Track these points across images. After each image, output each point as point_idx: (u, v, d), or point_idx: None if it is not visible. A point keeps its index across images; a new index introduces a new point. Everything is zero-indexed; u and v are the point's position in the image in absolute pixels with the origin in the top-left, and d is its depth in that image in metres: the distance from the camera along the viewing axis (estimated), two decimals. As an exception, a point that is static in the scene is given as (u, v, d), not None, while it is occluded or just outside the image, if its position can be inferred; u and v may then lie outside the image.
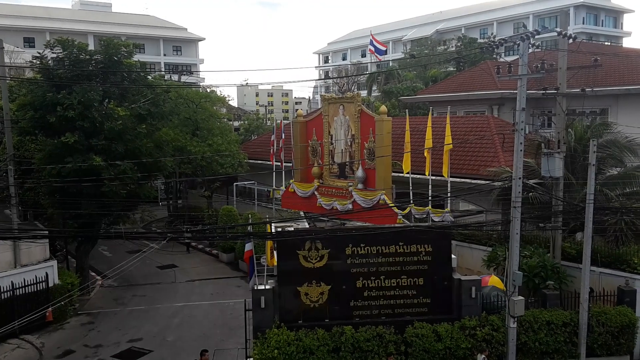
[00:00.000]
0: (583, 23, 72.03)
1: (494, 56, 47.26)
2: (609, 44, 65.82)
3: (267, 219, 25.13)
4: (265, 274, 19.06)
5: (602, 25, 75.26)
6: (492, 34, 74.54)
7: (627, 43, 75.47)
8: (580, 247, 18.66)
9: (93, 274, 28.20)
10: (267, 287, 17.13)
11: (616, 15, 77.99)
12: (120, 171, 22.94)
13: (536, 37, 16.89)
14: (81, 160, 22.58)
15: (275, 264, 17.56)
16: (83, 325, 22.49)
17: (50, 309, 21.03)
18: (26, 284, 21.47)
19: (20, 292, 21.25)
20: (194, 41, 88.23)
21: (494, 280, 18.19)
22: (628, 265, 18.68)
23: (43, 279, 22.00)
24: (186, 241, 31.08)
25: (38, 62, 24.68)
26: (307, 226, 24.56)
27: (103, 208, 23.51)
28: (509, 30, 75.23)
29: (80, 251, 26.32)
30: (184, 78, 51.64)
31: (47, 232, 23.38)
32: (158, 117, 26.49)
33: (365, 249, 17.23)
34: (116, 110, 23.87)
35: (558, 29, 18.78)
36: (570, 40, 18.52)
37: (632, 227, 19.47)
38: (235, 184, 37.12)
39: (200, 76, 76.63)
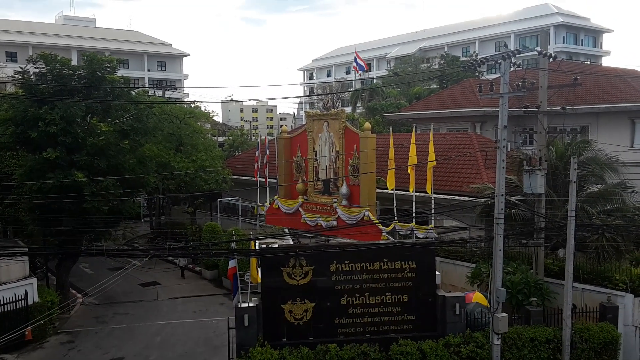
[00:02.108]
0: (563, 42, 73.41)
1: (476, 74, 47.85)
2: (589, 62, 67.12)
3: (251, 236, 25.00)
4: (249, 291, 18.93)
5: (582, 45, 76.75)
6: (474, 52, 75.64)
7: (606, 62, 76.97)
8: (562, 263, 18.80)
9: (74, 291, 27.75)
10: (251, 304, 16.99)
11: (595, 35, 79.60)
12: (102, 187, 22.71)
13: (517, 56, 17.17)
14: (63, 176, 22.32)
15: (259, 281, 17.45)
16: (63, 344, 22.06)
17: (29, 327, 20.61)
18: (5, 302, 21.03)
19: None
20: (178, 57, 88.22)
21: (477, 297, 18.24)
22: (610, 282, 18.85)
23: (22, 297, 21.57)
24: (180, 266, 30.74)
25: (20, 77, 24.46)
26: (292, 243, 24.49)
27: (84, 225, 23.22)
28: (491, 49, 76.33)
29: (61, 268, 25.91)
30: (168, 93, 51.49)
31: (26, 249, 22.99)
32: (141, 132, 26.34)
33: (350, 265, 17.21)
34: (99, 126, 23.70)
35: (539, 49, 19.10)
36: (551, 60, 18.85)
37: (613, 243, 19.67)
38: (219, 200, 36.95)
39: (185, 92, 76.52)
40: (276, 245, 20.92)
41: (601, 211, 21.21)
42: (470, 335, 16.92)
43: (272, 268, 17.04)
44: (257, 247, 20.69)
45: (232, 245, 21.87)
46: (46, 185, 22.10)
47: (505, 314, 16.22)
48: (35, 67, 24.50)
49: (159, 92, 52.55)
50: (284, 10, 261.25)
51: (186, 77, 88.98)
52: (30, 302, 21.83)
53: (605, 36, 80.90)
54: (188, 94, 68.66)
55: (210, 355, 20.60)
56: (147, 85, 77.21)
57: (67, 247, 24.08)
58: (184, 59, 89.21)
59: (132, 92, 30.44)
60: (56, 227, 22.67)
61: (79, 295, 27.66)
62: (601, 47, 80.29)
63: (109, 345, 21.77)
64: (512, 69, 17.67)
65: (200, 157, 34.72)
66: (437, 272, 18.03)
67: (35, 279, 23.13)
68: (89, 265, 32.84)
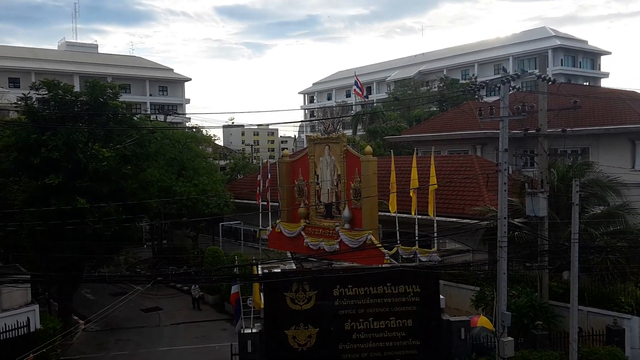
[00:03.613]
0: (562, 65, 73.95)
1: (476, 97, 48.18)
2: (588, 84, 67.59)
3: (254, 260, 24.92)
4: (252, 316, 18.78)
5: (580, 67, 77.26)
6: (473, 75, 76.23)
7: (605, 84, 77.46)
8: (567, 285, 18.70)
9: (76, 317, 27.55)
10: (254, 330, 16.89)
11: (593, 57, 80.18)
12: (104, 212, 22.70)
13: (516, 79, 17.33)
14: (65, 202, 22.33)
15: (262, 306, 17.35)
16: (65, 371, 21.85)
17: (32, 354, 20.41)
18: (7, 329, 20.86)
19: (1, 338, 20.64)
20: (180, 81, 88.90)
21: (482, 321, 18.10)
22: (615, 304, 18.74)
23: (25, 324, 21.42)
24: (194, 296, 30.29)
25: (23, 104, 24.64)
26: (294, 267, 24.39)
27: (86, 250, 23.16)
28: (490, 72, 76.89)
29: (63, 295, 25.77)
30: (169, 118, 51.79)
31: (28, 276, 22.88)
32: (143, 157, 26.44)
33: (353, 290, 17.14)
34: (101, 152, 23.79)
35: (537, 72, 19.30)
36: (550, 83, 19.01)
37: (618, 265, 19.60)
38: (221, 224, 36.88)
39: (187, 116, 76.98)
40: (279, 270, 20.84)
41: (604, 233, 21.17)
42: (476, 360, 16.76)
43: (275, 293, 16.97)
44: (259, 271, 20.61)
45: (235, 270, 21.77)
46: (48, 211, 22.10)
47: (511, 338, 16.09)
48: (38, 94, 24.70)
49: (161, 117, 52.86)
50: (285, 35, 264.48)
51: (188, 101, 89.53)
52: (32, 329, 21.66)
53: (603, 58, 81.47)
54: (190, 118, 69.19)
55: (212, 382, 20.36)
56: (149, 110, 77.64)
57: (69, 274, 23.96)
58: (186, 83, 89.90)
59: (134, 117, 30.61)
60: (58, 254, 22.60)
61: (81, 321, 27.45)
62: (599, 69, 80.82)
63: (111, 373, 21.55)
64: (511, 91, 17.82)
65: (202, 181, 34.77)
66: (441, 296, 17.94)
67: (38, 305, 22.99)
68: (91, 291, 32.65)
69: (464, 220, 23.61)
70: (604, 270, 19.60)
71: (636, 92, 36.45)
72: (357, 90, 34.24)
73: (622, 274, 19.83)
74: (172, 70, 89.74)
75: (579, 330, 17.15)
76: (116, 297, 24.68)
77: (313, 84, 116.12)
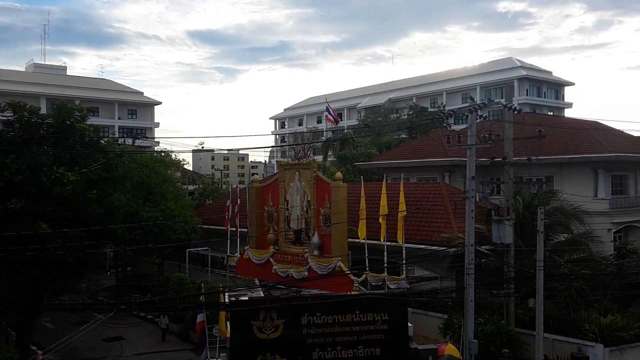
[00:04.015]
0: (527, 94, 75.89)
1: (444, 125, 48.97)
2: (552, 114, 69.41)
3: (220, 288, 24.51)
4: (217, 346, 18.41)
5: (545, 97, 79.40)
6: (441, 103, 77.64)
7: (568, 113, 79.62)
8: (533, 313, 18.86)
9: (34, 347, 26.52)
10: (220, 360, 16.50)
11: (558, 87, 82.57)
12: (67, 238, 22.11)
13: (483, 108, 17.69)
14: (27, 227, 21.69)
15: (229, 335, 17.01)
16: (19, 404, 20.92)
17: (-16, 387, 19.56)
18: (-42, 360, 20.01)
19: (-48, 369, 19.77)
20: (149, 105, 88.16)
21: (450, 349, 18.03)
22: (580, 332, 18.94)
23: (-22, 355, 20.58)
24: (161, 327, 29.39)
25: (-14, 126, 24.07)
26: (262, 295, 24.05)
27: (49, 277, 22.46)
28: (458, 100, 78.44)
29: (22, 323, 24.84)
30: (138, 142, 51.17)
31: (-16, 304, 22.04)
32: (110, 182, 25.97)
33: (322, 318, 16.94)
34: (66, 175, 23.26)
35: (503, 102, 19.75)
36: (515, 112, 19.45)
37: (582, 293, 19.88)
38: (187, 250, 36.27)
39: (156, 140, 76.22)
40: (246, 298, 20.51)
41: (568, 260, 21.53)
42: (444, 389, 16.66)
43: (242, 322, 16.67)
44: (226, 299, 20.24)
45: (201, 298, 21.36)
46: (8, 236, 21.41)
47: (478, 367, 16.09)
48: (2, 116, 24.17)
49: (129, 141, 52.21)
50: (257, 61, 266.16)
51: (157, 125, 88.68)
52: (-14, 360, 20.80)
53: (567, 89, 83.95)
54: (159, 142, 68.34)
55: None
56: (117, 133, 76.62)
57: (29, 301, 23.16)
58: (156, 107, 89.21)
59: (102, 141, 30.14)
60: (18, 280, 21.86)
61: (39, 351, 26.39)
62: (563, 100, 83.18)
63: (69, 405, 20.73)
64: (478, 120, 18.16)
65: (170, 206, 34.25)
66: (409, 324, 17.87)
67: (-7, 334, 22.13)
68: (51, 319, 31.56)
69: (432, 247, 23.76)
70: (569, 298, 19.88)
71: (598, 122, 37.57)
72: (329, 116, 34.44)
73: (586, 302, 20.12)
74: (142, 93, 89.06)
75: (544, 357, 17.26)
76: (77, 326, 23.89)
77: (284, 110, 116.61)
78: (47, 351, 25.89)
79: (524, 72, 76.60)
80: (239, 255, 28.04)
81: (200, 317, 18.05)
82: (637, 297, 21.35)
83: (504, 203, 20.01)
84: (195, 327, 20.67)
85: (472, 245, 16.74)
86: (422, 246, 24.41)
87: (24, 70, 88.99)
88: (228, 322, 17.28)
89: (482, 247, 20.60)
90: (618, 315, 19.60)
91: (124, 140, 54.40)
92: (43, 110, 26.31)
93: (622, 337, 18.75)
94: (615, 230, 31.02)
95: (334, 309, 17.02)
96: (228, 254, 29.18)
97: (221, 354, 17.21)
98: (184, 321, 29.41)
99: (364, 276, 22.32)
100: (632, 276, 21.97)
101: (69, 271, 22.92)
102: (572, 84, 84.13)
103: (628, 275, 22.10)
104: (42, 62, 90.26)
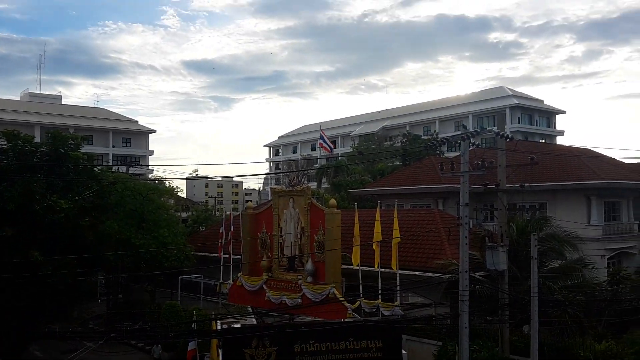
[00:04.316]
0: (519, 122, 76.56)
1: (437, 153, 49.24)
2: (544, 142, 69.98)
3: (213, 315, 24.26)
4: (209, 374, 18.15)
5: (537, 125, 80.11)
6: (434, 131, 78.16)
7: (560, 141, 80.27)
8: (527, 339, 18.73)
9: (22, 377, 26.04)
10: (212, 389, 16.26)
11: (549, 115, 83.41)
12: (59, 265, 21.94)
13: (476, 136, 17.86)
14: (19, 255, 21.53)
15: (221, 363, 16.81)
16: None
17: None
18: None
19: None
20: (144, 133, 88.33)
21: (445, 377, 17.90)
22: (575, 358, 18.79)
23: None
24: (155, 358, 28.85)
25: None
26: (255, 322, 23.82)
27: (39, 305, 22.21)
28: (451, 128, 79.07)
29: (10, 352, 24.39)
30: (132, 169, 51.13)
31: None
32: (103, 209, 25.93)
33: (315, 345, 16.79)
34: (59, 203, 23.23)
35: (496, 130, 19.96)
36: (508, 140, 19.64)
37: (576, 319, 19.81)
38: (180, 277, 35.96)
39: (150, 167, 76.19)
40: (238, 325, 20.32)
41: (562, 287, 21.49)
42: (439, 418, 16.45)
43: (234, 349, 16.50)
44: (218, 327, 20.03)
45: (193, 325, 21.13)
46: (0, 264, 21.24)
47: (474, 395, 15.91)
48: (-4, 144, 24.24)
49: (122, 169, 52.12)
50: (252, 90, 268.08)
51: (151, 153, 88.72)
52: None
53: (558, 117, 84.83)
54: (152, 170, 68.28)
55: None
56: (111, 161, 76.54)
57: (19, 329, 22.83)
58: (150, 135, 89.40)
59: (95, 169, 30.17)
60: (9, 307, 21.58)
61: (27, 381, 25.97)
62: (555, 127, 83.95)
63: None
64: (471, 147, 18.31)
65: (163, 233, 34.09)
66: (403, 351, 17.72)
67: (-19, 364, 21.75)
68: (40, 348, 31.05)
69: (427, 274, 23.67)
70: (563, 324, 19.78)
71: (590, 150, 37.91)
72: (323, 143, 34.66)
73: (581, 328, 20.02)
74: (137, 122, 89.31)
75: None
76: (66, 355, 23.56)
77: (279, 137, 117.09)
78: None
79: (515, 101, 77.46)
80: (231, 283, 27.84)
81: (191, 345, 17.85)
82: (631, 323, 21.28)
83: (498, 230, 20.07)
84: (187, 355, 20.38)
85: (466, 271, 16.71)
86: (417, 272, 24.31)
87: (19, 99, 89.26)
88: (220, 350, 17.08)
89: (476, 273, 20.56)
90: (612, 342, 19.49)
91: (118, 168, 54.36)
92: (37, 139, 26.49)
93: (617, 364, 18.65)
94: (608, 256, 31.04)
95: (327, 337, 16.88)
96: (221, 281, 28.96)
97: (213, 383, 16.99)
98: (176, 349, 28.99)
99: (357, 303, 22.19)
100: (627, 302, 21.94)
101: (61, 298, 22.68)
102: (563, 112, 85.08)
103: (622, 302, 22.07)
104: (38, 92, 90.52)
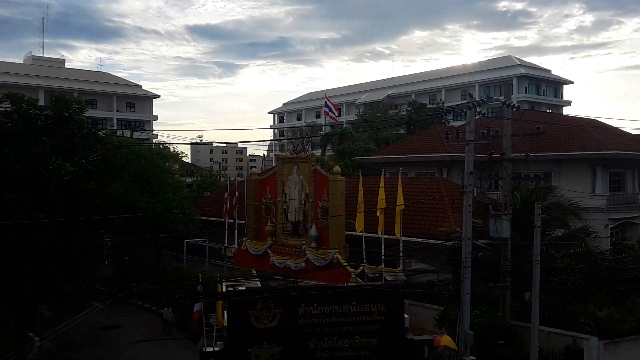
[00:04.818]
0: (526, 92, 75.92)
1: (443, 121, 48.99)
2: (551, 111, 69.47)
3: (218, 278, 24.59)
4: (214, 334, 18.49)
5: (544, 95, 79.45)
6: (440, 100, 77.66)
7: (567, 111, 79.71)
8: (529, 306, 18.97)
9: (31, 334, 26.59)
10: (216, 349, 16.59)
11: (556, 86, 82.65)
12: (65, 227, 22.12)
13: (482, 105, 17.73)
14: (25, 217, 21.72)
15: (225, 324, 17.10)
16: (16, 391, 20.98)
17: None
18: (-44, 346, 20.06)
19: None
20: (148, 98, 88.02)
21: (446, 340, 18.15)
22: (575, 325, 19.05)
23: (-25, 341, 20.62)
24: (166, 319, 29.09)
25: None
26: (259, 285, 24.15)
27: (47, 267, 22.52)
28: (457, 97, 78.46)
29: (20, 312, 24.86)
30: (136, 134, 51.11)
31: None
32: (108, 173, 25.99)
33: (318, 308, 17.04)
34: (64, 166, 23.31)
35: (502, 99, 19.78)
36: (514, 109, 19.50)
37: (578, 287, 20.00)
38: (185, 241, 36.31)
39: (154, 133, 76.14)
40: (243, 288, 20.60)
41: (565, 255, 21.61)
42: (439, 380, 16.79)
43: (239, 311, 16.75)
44: (223, 289, 20.33)
45: (198, 287, 21.44)
46: (6, 226, 21.45)
47: (474, 357, 16.23)
48: (1, 107, 24.14)
49: (127, 133, 52.11)
50: (256, 56, 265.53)
51: (156, 118, 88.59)
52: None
53: (565, 87, 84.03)
54: (157, 135, 68.21)
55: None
56: (115, 125, 76.46)
57: (29, 290, 23.20)
58: (154, 100, 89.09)
59: (100, 133, 30.15)
60: (17, 269, 21.90)
61: (36, 338, 26.50)
62: (562, 98, 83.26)
63: (66, 393, 20.81)
64: (477, 116, 18.19)
65: (168, 197, 34.29)
66: (405, 315, 17.98)
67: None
68: (48, 307, 31.61)
69: (430, 241, 23.83)
70: (565, 291, 19.98)
71: (596, 120, 37.62)
72: (328, 110, 34.45)
73: (582, 295, 20.23)
74: (141, 86, 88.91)
75: (539, 349, 17.38)
76: (74, 314, 23.96)
77: (283, 104, 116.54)
78: (43, 338, 25.99)
79: (523, 70, 76.66)
80: (236, 247, 28.12)
81: (197, 307, 18.14)
82: (633, 291, 21.47)
83: (502, 198, 20.10)
84: (192, 316, 20.74)
85: (469, 239, 16.83)
86: (420, 239, 24.47)
87: (22, 62, 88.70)
88: (225, 312, 17.36)
89: (479, 241, 20.68)
90: (614, 309, 19.72)
91: (122, 133, 54.33)
92: (42, 103, 26.33)
93: (617, 331, 18.90)
94: (612, 226, 31.13)
95: (330, 300, 17.12)
96: (226, 244, 29.25)
97: (218, 343, 17.30)
98: (182, 310, 29.48)
99: (361, 268, 22.43)
100: (629, 271, 22.09)
101: (67, 260, 22.97)
102: (570, 82, 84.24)
103: (624, 270, 22.22)
104: (41, 55, 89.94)
